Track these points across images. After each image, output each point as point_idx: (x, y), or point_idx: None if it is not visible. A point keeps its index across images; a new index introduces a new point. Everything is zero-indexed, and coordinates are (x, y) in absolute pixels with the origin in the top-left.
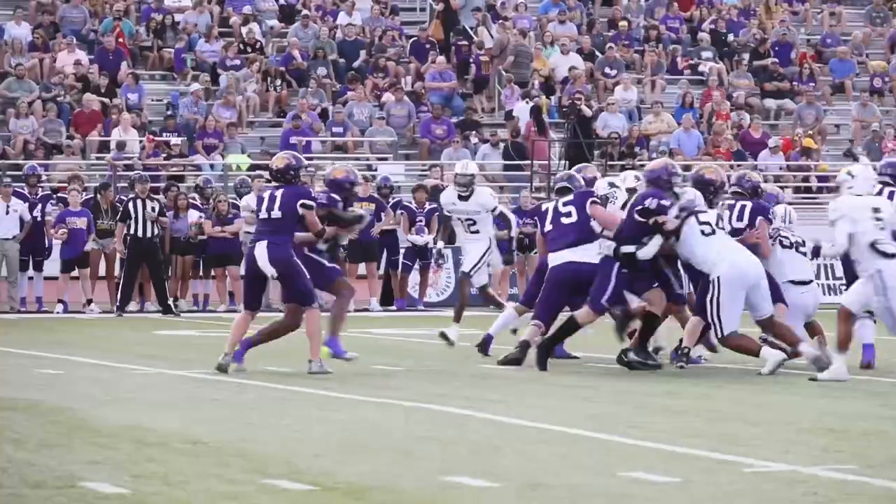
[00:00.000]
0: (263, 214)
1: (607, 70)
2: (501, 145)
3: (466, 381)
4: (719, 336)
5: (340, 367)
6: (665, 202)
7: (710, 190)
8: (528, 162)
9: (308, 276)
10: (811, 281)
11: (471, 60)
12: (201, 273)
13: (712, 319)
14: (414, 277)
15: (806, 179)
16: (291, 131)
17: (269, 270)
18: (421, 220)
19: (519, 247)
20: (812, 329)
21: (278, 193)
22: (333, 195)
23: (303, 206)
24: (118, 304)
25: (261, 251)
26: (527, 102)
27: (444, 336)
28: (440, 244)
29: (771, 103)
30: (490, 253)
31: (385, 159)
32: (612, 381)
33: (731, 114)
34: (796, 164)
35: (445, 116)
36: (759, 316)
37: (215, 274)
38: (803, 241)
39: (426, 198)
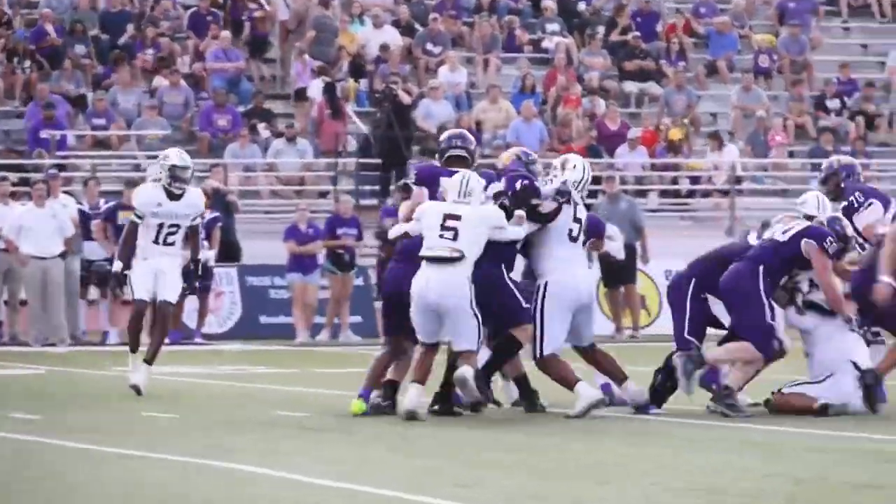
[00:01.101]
0: None
1: (429, 46)
2: (299, 140)
3: (259, 432)
4: (537, 356)
5: (102, 414)
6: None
7: None
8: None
9: None
10: None
11: (244, 18)
12: None
13: (534, 333)
14: (190, 303)
15: (675, 181)
16: (41, 123)
17: None
18: (200, 232)
19: (338, 263)
20: None
21: None
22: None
23: None
24: None
25: None
26: (323, 80)
27: (136, 389)
28: (119, 265)
29: (631, 87)
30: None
31: (157, 157)
32: (438, 430)
33: (581, 100)
34: (661, 163)
35: (231, 104)
36: (578, 342)
37: None
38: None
39: (207, 204)
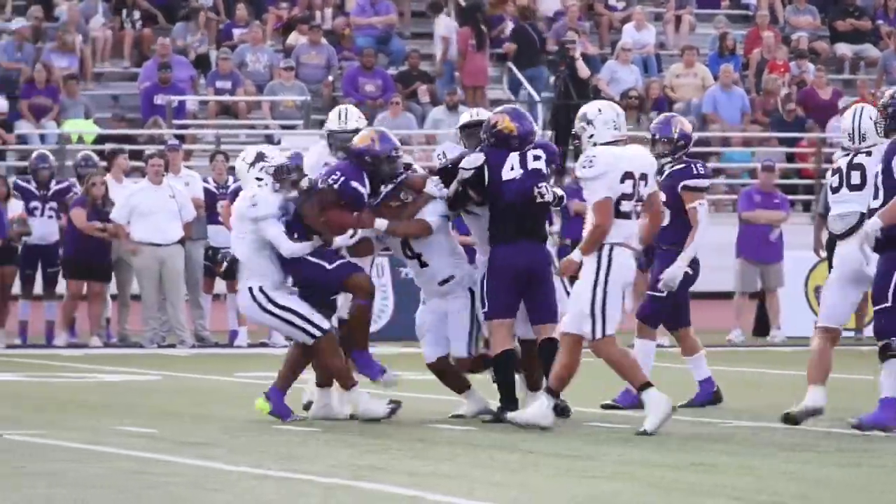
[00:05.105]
0: None
1: (612, 2)
2: (462, 108)
3: (409, 448)
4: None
5: (229, 427)
6: None
7: None
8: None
9: None
10: None
11: None
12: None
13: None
14: None
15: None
16: (157, 87)
17: None
18: None
19: None
20: None
21: None
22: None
23: None
24: None
25: None
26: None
27: None
28: None
29: (845, 49)
30: None
31: (293, 127)
32: (620, 447)
33: (789, 64)
34: None
35: (380, 66)
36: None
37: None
38: None
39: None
